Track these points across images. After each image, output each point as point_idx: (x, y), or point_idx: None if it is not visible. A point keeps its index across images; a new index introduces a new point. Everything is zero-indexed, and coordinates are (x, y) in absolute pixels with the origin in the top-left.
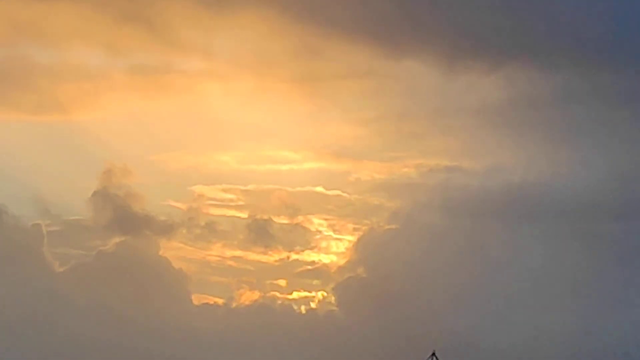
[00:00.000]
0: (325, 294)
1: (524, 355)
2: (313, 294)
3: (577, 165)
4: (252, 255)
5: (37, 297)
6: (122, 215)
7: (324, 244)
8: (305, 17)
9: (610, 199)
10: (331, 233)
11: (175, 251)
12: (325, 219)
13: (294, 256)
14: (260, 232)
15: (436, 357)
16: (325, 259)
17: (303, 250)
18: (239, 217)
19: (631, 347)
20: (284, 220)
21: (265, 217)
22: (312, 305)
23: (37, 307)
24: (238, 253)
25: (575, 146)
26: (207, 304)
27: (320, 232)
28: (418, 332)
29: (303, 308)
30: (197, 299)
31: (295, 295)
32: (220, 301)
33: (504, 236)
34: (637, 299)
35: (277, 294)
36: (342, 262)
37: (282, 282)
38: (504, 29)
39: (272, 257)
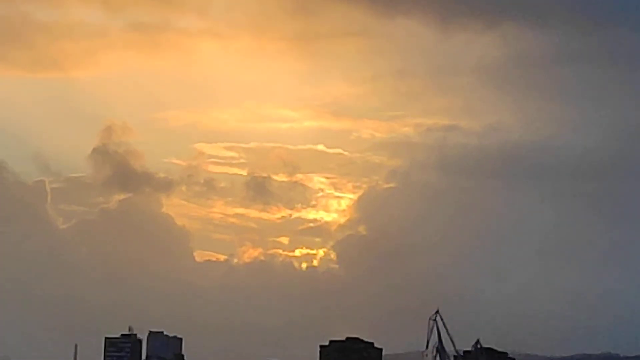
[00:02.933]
0: (326, 251)
1: (522, 310)
2: (315, 251)
3: (576, 124)
4: (254, 213)
5: (41, 253)
6: (122, 172)
7: (325, 202)
8: None
9: (606, 157)
10: (332, 191)
11: (177, 208)
12: (327, 177)
13: (295, 214)
14: (259, 190)
15: (440, 316)
16: (326, 217)
17: (304, 208)
18: (238, 175)
19: (626, 295)
20: (283, 178)
21: (265, 174)
22: (314, 262)
23: (42, 263)
24: (240, 210)
25: (573, 105)
26: (209, 260)
27: (321, 190)
28: (418, 289)
29: (304, 265)
30: (199, 256)
31: (297, 252)
32: (222, 258)
33: (501, 194)
34: (633, 253)
35: (280, 251)
36: (342, 220)
37: (285, 240)
38: None
39: (275, 215)
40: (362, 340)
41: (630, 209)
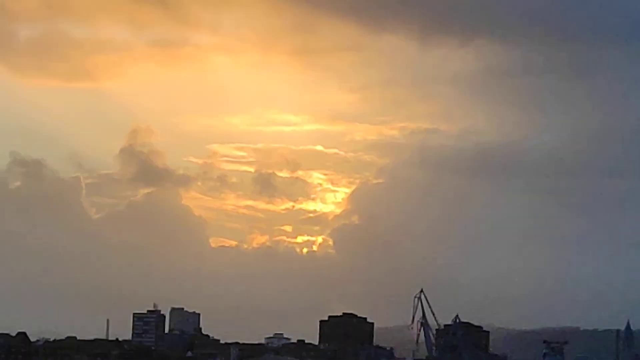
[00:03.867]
0: (324, 238)
1: (496, 290)
2: (314, 238)
3: (541, 127)
4: (262, 205)
5: (77, 240)
6: (146, 169)
7: (323, 195)
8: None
9: (569, 157)
10: (329, 186)
11: (195, 200)
12: (325, 174)
13: (297, 205)
14: (265, 185)
15: (424, 294)
16: (324, 208)
17: (305, 200)
18: (247, 171)
19: (585, 276)
20: (286, 174)
21: (270, 171)
22: (314, 247)
23: (77, 249)
24: (249, 202)
25: (539, 110)
26: (222, 246)
27: (320, 184)
28: (405, 270)
29: (305, 250)
30: (214, 242)
31: (299, 239)
32: (233, 243)
33: (476, 189)
34: (592, 242)
35: (284, 238)
36: (338, 211)
37: (288, 228)
38: (471, 8)
39: (279, 207)
40: (356, 316)
41: (589, 201)
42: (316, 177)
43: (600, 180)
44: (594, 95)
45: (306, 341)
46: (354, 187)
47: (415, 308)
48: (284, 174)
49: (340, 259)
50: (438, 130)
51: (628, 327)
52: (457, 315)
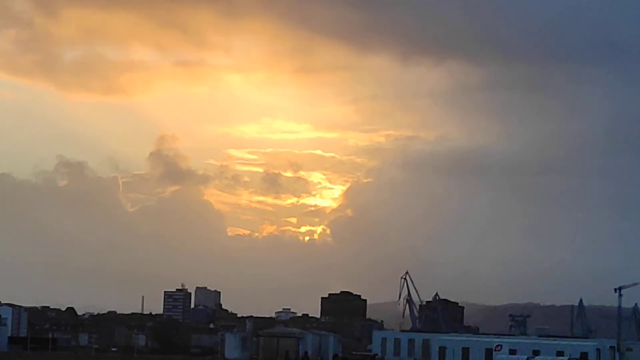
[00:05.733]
0: (323, 228)
1: (469, 271)
2: (315, 228)
3: (504, 134)
4: (270, 200)
5: (115, 229)
6: (172, 170)
7: (322, 192)
8: (299, 25)
9: (525, 159)
10: (327, 184)
11: (214, 196)
12: (323, 174)
13: (300, 201)
14: (273, 183)
15: (409, 275)
16: (323, 203)
17: (307, 196)
18: (257, 172)
19: (541, 257)
20: (290, 174)
21: (277, 171)
22: (315, 236)
23: (115, 237)
24: (260, 198)
25: (502, 120)
26: (238, 234)
27: (319, 183)
28: (392, 255)
29: (307, 238)
30: (230, 231)
31: (302, 229)
32: (247, 232)
33: (450, 186)
34: (545, 226)
35: (290, 228)
36: (335, 205)
37: (293, 220)
38: (444, 34)
39: (285, 202)
40: (352, 294)
41: (543, 196)
42: (316, 176)
43: (551, 179)
44: (546, 108)
45: (310, 315)
46: (348, 185)
47: (402, 287)
48: (288, 174)
49: (337, 246)
50: (417, 137)
51: (580, 303)
52: (436, 293)
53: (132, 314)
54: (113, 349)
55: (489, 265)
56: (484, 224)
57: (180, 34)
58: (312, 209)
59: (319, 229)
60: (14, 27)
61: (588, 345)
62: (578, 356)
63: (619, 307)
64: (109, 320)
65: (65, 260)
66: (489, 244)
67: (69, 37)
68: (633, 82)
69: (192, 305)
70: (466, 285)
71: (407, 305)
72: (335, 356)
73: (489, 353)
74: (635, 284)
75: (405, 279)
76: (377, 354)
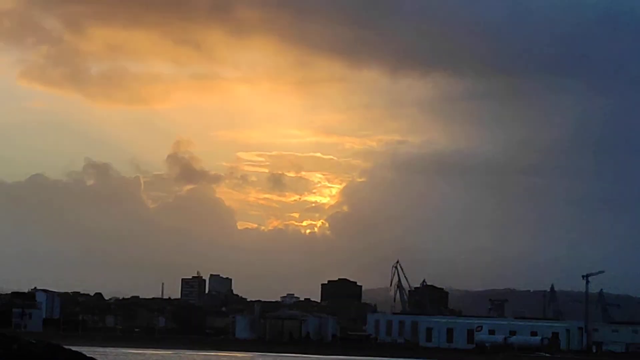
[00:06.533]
0: (322, 222)
1: (452, 260)
2: (315, 222)
3: (483, 139)
4: (275, 197)
5: (137, 224)
6: (187, 171)
7: (321, 190)
8: (299, 42)
9: (502, 161)
10: (326, 183)
11: (225, 194)
12: (322, 174)
13: (302, 198)
14: (277, 182)
15: (400, 265)
16: (322, 200)
17: (308, 194)
18: (263, 172)
19: (514, 247)
20: (293, 174)
21: (281, 172)
22: (315, 229)
23: (137, 231)
24: (266, 195)
25: (481, 126)
26: (247, 228)
27: (319, 182)
28: (384, 246)
29: (308, 231)
30: (240, 225)
31: (304, 223)
32: (255, 226)
33: (434, 185)
34: (528, 225)
35: (293, 222)
36: (333, 202)
37: (296, 215)
38: (429, 49)
39: (289, 199)
40: (348, 280)
41: (518, 193)
42: (316, 176)
43: (525, 178)
44: (520, 115)
45: (311, 299)
46: (344, 184)
47: (393, 274)
48: (291, 174)
49: (335, 238)
50: (406, 141)
51: (552, 289)
52: (424, 280)
53: (153, 298)
54: (136, 330)
55: (470, 255)
56: (466, 218)
57: (194, 50)
58: (313, 205)
59: (319, 223)
60: (46, 44)
61: (559, 326)
62: (550, 336)
63: (586, 292)
64: (132, 304)
65: (93, 250)
66: (471, 235)
67: (96, 53)
68: (598, 91)
69: (207, 291)
70: (450, 273)
71: (398, 291)
72: (333, 336)
73: (470, 333)
74: (600, 272)
75: (396, 267)
76: (371, 334)
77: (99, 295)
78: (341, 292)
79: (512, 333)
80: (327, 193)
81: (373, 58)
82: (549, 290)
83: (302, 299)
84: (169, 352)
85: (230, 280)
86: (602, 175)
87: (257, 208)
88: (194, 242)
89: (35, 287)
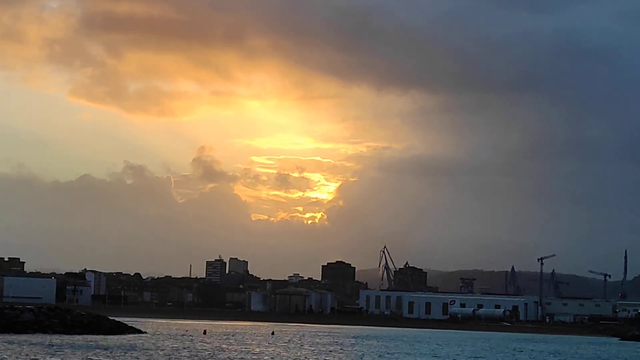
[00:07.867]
0: (322, 214)
1: (431, 246)
2: (316, 214)
3: (458, 144)
4: (283, 194)
5: (168, 216)
6: (210, 172)
7: (321, 188)
8: (301, 64)
9: (473, 163)
10: (325, 182)
11: (241, 191)
12: (322, 175)
13: (305, 194)
14: (284, 181)
15: (387, 249)
16: (322, 196)
17: (310, 191)
18: (273, 173)
19: (490, 242)
20: (297, 175)
21: (287, 173)
22: (316, 221)
23: (168, 221)
24: (275, 192)
25: (456, 134)
26: (259, 219)
27: (319, 181)
28: (373, 233)
29: (310, 222)
30: (254, 217)
31: (307, 215)
32: (265, 217)
33: (415, 184)
34: (494, 217)
35: (298, 215)
36: (330, 197)
37: (300, 208)
38: (409, 70)
39: (294, 195)
40: (344, 262)
41: (486, 191)
42: (316, 176)
43: (492, 178)
44: (488, 125)
45: (313, 278)
46: (340, 183)
47: (381, 257)
48: (295, 174)
49: (332, 228)
50: (390, 147)
51: (513, 270)
52: (407, 262)
53: (183, 277)
54: (168, 304)
55: (445, 241)
56: (442, 211)
57: (214, 72)
58: (314, 200)
59: (319, 215)
60: (90, 66)
61: (518, 300)
62: (511, 308)
63: (541, 272)
64: (165, 283)
65: (132, 238)
66: (446, 225)
67: (132, 73)
68: (553, 104)
69: (227, 271)
70: (429, 256)
71: (385, 271)
72: (332, 309)
73: (445, 306)
74: (552, 255)
75: (383, 251)
76: (363, 307)
77: (137, 275)
78: (338, 272)
79: (480, 306)
80: (325, 190)
81: (362, 78)
82: (510, 270)
83: (305, 278)
84: (196, 322)
85: (247, 262)
86: (556, 175)
87: (268, 203)
88: (216, 230)
89: (85, 269)
